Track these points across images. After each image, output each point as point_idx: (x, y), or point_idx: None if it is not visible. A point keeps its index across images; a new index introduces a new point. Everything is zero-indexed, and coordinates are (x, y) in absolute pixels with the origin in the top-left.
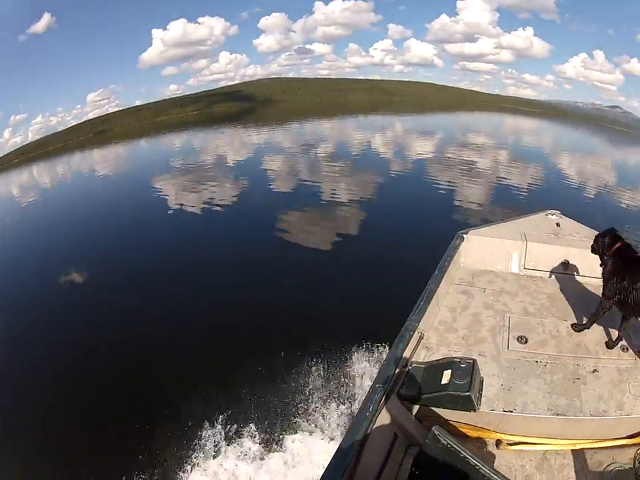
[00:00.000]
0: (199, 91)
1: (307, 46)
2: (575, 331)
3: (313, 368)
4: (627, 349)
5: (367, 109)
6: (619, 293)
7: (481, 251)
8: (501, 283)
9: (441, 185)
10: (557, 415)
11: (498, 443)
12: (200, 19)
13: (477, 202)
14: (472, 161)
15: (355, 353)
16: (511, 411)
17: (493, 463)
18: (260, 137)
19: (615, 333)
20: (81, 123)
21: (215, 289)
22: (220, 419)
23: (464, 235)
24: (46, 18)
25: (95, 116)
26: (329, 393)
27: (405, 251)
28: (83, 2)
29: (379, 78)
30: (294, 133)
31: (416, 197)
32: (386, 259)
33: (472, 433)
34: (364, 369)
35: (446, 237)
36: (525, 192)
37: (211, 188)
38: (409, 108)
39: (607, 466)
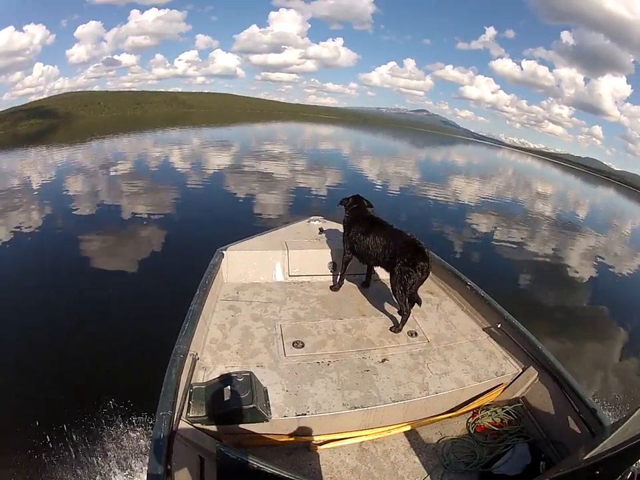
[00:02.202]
0: (10, 107)
1: (115, 57)
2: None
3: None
4: (415, 334)
5: (164, 123)
6: (349, 242)
7: (244, 264)
8: (267, 294)
9: (212, 198)
10: (355, 408)
11: (308, 446)
12: (26, 27)
13: (247, 212)
14: (258, 171)
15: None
16: (305, 414)
17: (310, 465)
18: (61, 157)
19: (397, 320)
20: None
21: None
22: None
23: (223, 252)
24: None
25: None
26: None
27: (165, 272)
28: None
29: (179, 90)
30: (93, 151)
31: (189, 212)
32: (149, 286)
33: (275, 442)
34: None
35: (207, 254)
36: (304, 199)
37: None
38: (206, 120)
39: (438, 442)
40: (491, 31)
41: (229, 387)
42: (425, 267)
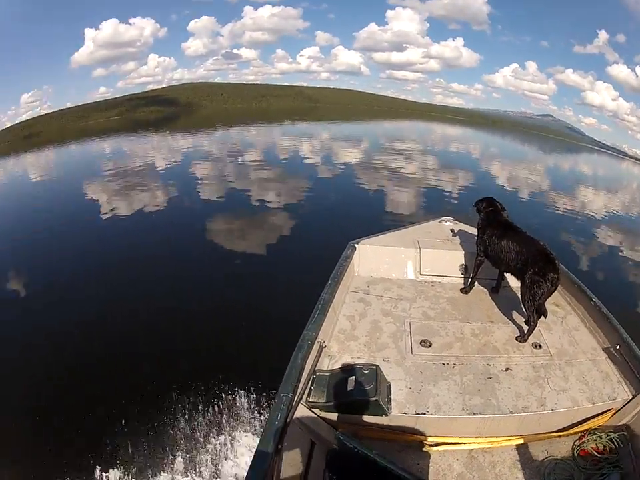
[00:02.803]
0: (126, 94)
1: (235, 51)
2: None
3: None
4: (540, 346)
5: (291, 116)
6: (483, 245)
7: (375, 259)
8: (397, 290)
9: (342, 191)
10: (473, 414)
11: (420, 445)
12: (132, 20)
13: (378, 208)
14: (389, 168)
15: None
16: (424, 413)
17: (418, 465)
18: (187, 144)
19: (524, 330)
20: (10, 127)
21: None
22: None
23: (355, 245)
24: None
25: (28, 117)
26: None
27: (297, 262)
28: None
29: (305, 85)
30: (219, 139)
31: (319, 203)
32: (278, 270)
33: (390, 437)
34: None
35: (339, 247)
36: (434, 198)
37: (142, 198)
38: (333, 115)
39: (543, 460)
40: (603, 35)
41: (353, 377)
42: (554, 278)
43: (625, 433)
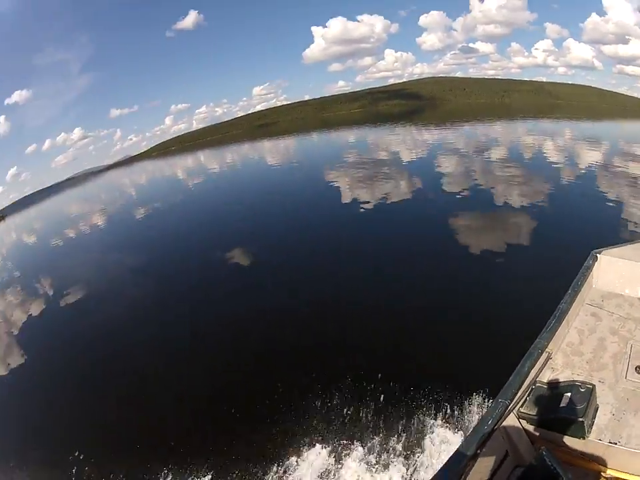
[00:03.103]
0: (366, 87)
1: (470, 45)
2: None
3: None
4: None
5: (533, 112)
6: None
7: (613, 272)
8: (628, 309)
9: (594, 196)
10: None
11: (599, 475)
12: (359, 17)
13: (624, 218)
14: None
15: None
16: (616, 443)
17: None
18: (432, 137)
19: None
20: (244, 116)
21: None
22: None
23: (597, 255)
24: (192, 15)
25: (262, 108)
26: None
27: (538, 267)
28: (227, 1)
29: (544, 80)
30: (465, 134)
31: (564, 207)
32: (518, 275)
33: (575, 461)
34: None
35: (578, 254)
36: None
37: (384, 185)
38: (574, 113)
39: None
40: None
41: (569, 394)
42: None
43: None
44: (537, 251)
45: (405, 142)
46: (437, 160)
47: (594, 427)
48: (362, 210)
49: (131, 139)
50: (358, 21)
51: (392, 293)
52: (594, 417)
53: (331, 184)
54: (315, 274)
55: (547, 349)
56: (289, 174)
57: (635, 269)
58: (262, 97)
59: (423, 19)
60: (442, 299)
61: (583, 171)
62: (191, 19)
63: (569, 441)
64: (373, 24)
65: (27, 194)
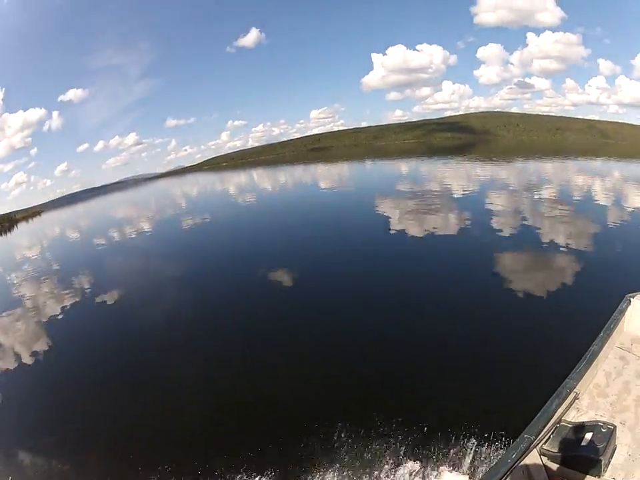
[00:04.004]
0: (424, 118)
1: (527, 79)
2: None
3: None
4: None
5: (584, 152)
6: None
7: None
8: None
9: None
10: None
11: None
12: (418, 46)
13: None
14: None
15: None
16: None
17: None
18: (484, 174)
19: None
20: (299, 138)
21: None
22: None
23: (631, 299)
24: (254, 33)
25: (319, 132)
26: None
27: (575, 309)
28: (290, 22)
29: (596, 118)
30: (517, 171)
31: (604, 248)
32: (547, 315)
33: None
34: None
35: (612, 297)
36: None
37: (431, 217)
38: (625, 152)
39: None
40: None
41: (591, 433)
42: None
43: None
44: (574, 293)
45: (457, 176)
46: (486, 195)
47: (610, 467)
48: (407, 242)
49: (185, 150)
50: (417, 50)
51: (429, 329)
52: (611, 457)
53: (380, 212)
54: (342, 295)
55: (574, 390)
56: (340, 198)
57: None
58: (319, 120)
59: (481, 52)
60: (476, 338)
61: (621, 212)
62: (252, 36)
63: (585, 478)
64: (431, 54)
65: (75, 191)
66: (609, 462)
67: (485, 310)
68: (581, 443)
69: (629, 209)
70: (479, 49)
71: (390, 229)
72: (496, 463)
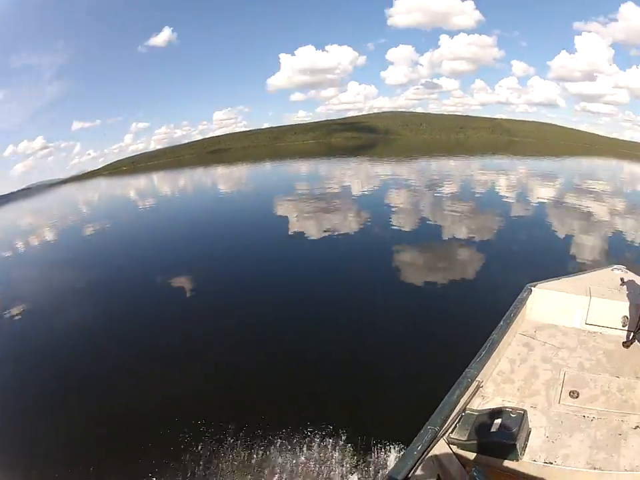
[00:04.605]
0: (326, 119)
1: (435, 80)
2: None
3: None
4: None
5: (486, 149)
6: None
7: (546, 304)
8: (561, 338)
9: (528, 230)
10: (594, 468)
11: None
12: (327, 47)
13: (560, 250)
14: (572, 208)
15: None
16: (551, 463)
17: None
18: (383, 171)
19: None
20: (200, 140)
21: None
22: None
23: (532, 288)
24: (166, 32)
25: (221, 133)
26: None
27: (472, 299)
28: (203, 21)
29: (503, 117)
30: (416, 169)
31: (502, 241)
32: (452, 306)
33: None
34: None
35: (512, 287)
36: (617, 244)
37: (334, 219)
38: (529, 150)
39: None
40: None
41: (499, 420)
42: None
43: None
44: (474, 284)
45: (356, 175)
46: (386, 193)
47: (527, 450)
48: (308, 241)
49: (89, 154)
50: (326, 51)
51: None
52: (527, 440)
53: (279, 215)
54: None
55: (476, 378)
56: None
57: (567, 300)
58: (222, 121)
59: (391, 53)
60: (372, 328)
61: (525, 205)
62: (164, 35)
63: (502, 463)
64: (340, 55)
65: None
66: (525, 445)
67: (386, 302)
68: (490, 429)
69: (529, 202)
70: (389, 50)
71: (289, 232)
72: (402, 455)
